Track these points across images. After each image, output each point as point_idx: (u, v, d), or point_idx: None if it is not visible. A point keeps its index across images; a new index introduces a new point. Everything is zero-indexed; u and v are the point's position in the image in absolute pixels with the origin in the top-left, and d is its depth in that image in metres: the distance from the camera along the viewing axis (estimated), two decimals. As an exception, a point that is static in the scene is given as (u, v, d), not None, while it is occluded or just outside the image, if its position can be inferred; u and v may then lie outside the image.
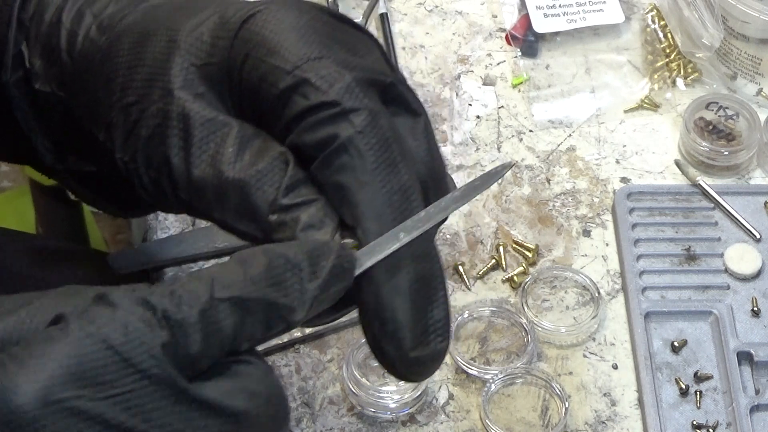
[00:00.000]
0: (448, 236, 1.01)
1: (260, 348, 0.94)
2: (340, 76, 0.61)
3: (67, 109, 0.71)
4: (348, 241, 0.61)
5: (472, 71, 1.13)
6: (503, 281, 0.99)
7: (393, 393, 0.91)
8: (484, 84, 1.12)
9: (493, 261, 1.00)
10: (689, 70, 1.11)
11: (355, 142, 0.60)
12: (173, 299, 0.54)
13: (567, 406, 0.91)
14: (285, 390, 0.62)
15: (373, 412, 0.91)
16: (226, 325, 0.55)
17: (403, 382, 0.91)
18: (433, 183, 0.64)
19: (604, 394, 0.93)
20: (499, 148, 1.07)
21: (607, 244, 1.01)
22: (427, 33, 1.16)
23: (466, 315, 0.96)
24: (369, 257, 0.60)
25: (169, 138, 0.63)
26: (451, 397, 0.93)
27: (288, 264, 0.57)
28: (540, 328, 0.95)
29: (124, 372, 0.52)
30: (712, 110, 1.06)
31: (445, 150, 1.07)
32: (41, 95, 0.72)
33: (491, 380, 0.92)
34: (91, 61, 0.69)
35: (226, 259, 0.58)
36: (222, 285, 0.55)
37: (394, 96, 0.64)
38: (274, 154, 0.62)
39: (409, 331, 0.61)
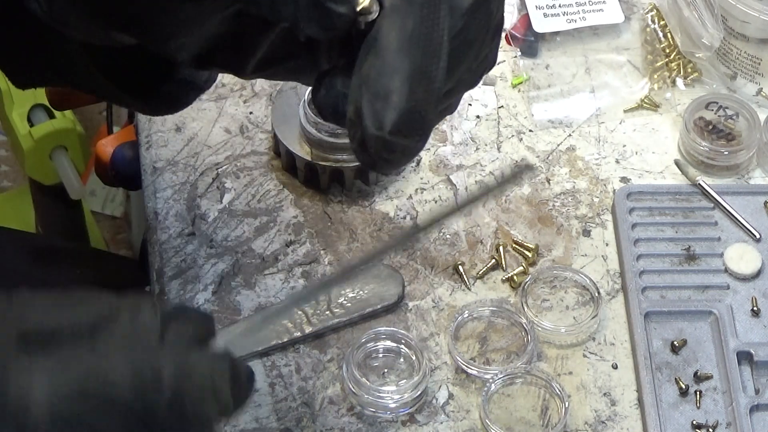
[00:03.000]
0: (448, 236, 1.01)
1: (260, 348, 0.94)
2: None
3: None
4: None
5: (472, 71, 1.13)
6: (503, 281, 0.99)
7: (393, 393, 0.91)
8: (484, 84, 1.12)
9: (493, 261, 1.00)
10: (689, 70, 1.11)
11: None
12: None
13: (567, 405, 0.91)
14: None
15: (373, 412, 0.91)
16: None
17: (403, 382, 0.91)
18: None
19: (604, 394, 0.93)
20: (499, 148, 1.07)
21: (606, 244, 1.01)
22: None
23: (466, 315, 0.96)
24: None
25: None
26: (451, 396, 0.93)
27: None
28: (540, 328, 0.95)
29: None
30: (712, 110, 1.06)
31: (445, 150, 1.07)
32: None
33: (491, 380, 0.92)
34: None
35: None
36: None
37: None
38: None
39: (396, 116, 0.59)
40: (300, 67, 0.70)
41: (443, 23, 0.60)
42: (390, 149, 0.60)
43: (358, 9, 0.61)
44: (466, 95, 1.11)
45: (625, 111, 1.10)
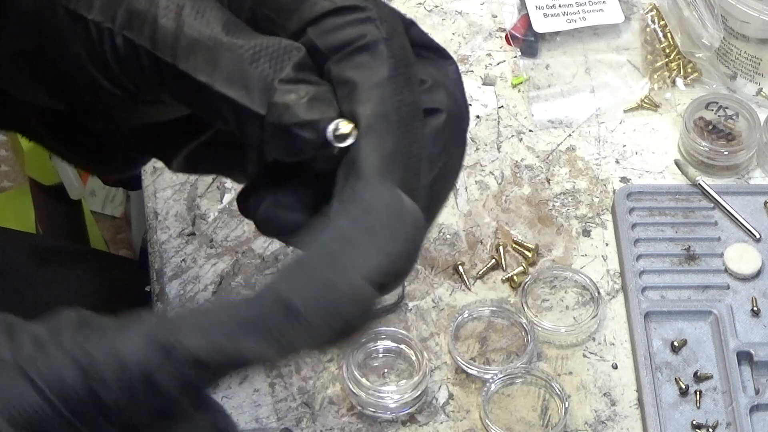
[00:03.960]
0: (448, 236, 1.01)
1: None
2: None
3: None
4: (343, 120, 0.58)
5: (472, 71, 1.13)
6: (503, 281, 0.99)
7: (393, 393, 0.91)
8: (484, 84, 1.12)
9: (493, 261, 1.00)
10: (689, 70, 1.11)
11: (380, 45, 0.58)
12: (110, 355, 0.52)
13: (567, 405, 0.91)
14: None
15: (373, 412, 0.91)
16: (173, 387, 0.53)
17: (403, 382, 0.91)
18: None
19: (604, 394, 0.93)
20: (499, 148, 1.07)
21: (606, 244, 1.01)
22: (427, 33, 1.16)
23: (466, 315, 0.96)
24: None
25: (161, 2, 0.59)
26: (451, 396, 0.93)
27: (287, 307, 0.53)
28: (540, 328, 0.95)
29: (52, 421, 0.52)
30: (712, 110, 1.06)
31: (445, 150, 1.07)
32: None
33: (491, 380, 0.92)
34: None
35: None
36: (186, 341, 0.52)
37: (416, 35, 0.62)
38: (283, 39, 0.59)
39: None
40: (231, 166, 0.69)
41: (421, 140, 0.59)
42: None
43: (337, 133, 0.58)
44: (467, 95, 1.12)
45: (625, 111, 1.10)
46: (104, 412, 0.52)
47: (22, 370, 0.51)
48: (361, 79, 0.58)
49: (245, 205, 0.63)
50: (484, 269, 0.99)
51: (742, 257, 0.99)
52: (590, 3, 1.14)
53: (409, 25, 0.62)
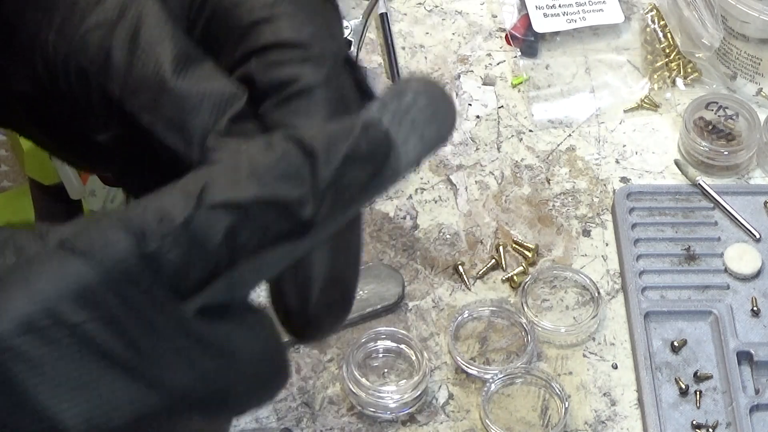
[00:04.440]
0: (448, 236, 1.01)
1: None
2: (315, 24, 0.59)
3: None
4: None
5: (472, 71, 1.13)
6: (503, 281, 0.99)
7: (393, 393, 0.91)
8: (484, 84, 1.12)
9: (493, 261, 1.00)
10: (689, 70, 1.11)
11: (315, 90, 0.58)
12: (154, 214, 0.50)
13: (567, 405, 0.91)
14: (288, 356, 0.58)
15: (373, 412, 0.91)
16: (215, 233, 0.50)
17: (403, 382, 0.91)
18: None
19: (604, 394, 0.93)
20: (498, 148, 1.07)
21: (606, 244, 1.01)
22: (427, 33, 1.16)
23: (466, 315, 0.96)
24: None
25: (117, 30, 0.60)
26: (450, 396, 0.93)
27: (302, 148, 0.51)
28: (540, 328, 0.95)
29: (106, 291, 0.49)
30: (712, 110, 1.06)
31: (445, 150, 1.07)
32: None
33: (491, 380, 0.92)
34: None
35: None
36: (216, 188, 0.50)
37: (355, 76, 0.63)
38: (226, 83, 0.59)
39: (319, 289, 0.57)
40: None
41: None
42: (315, 323, 0.58)
43: None
44: (467, 95, 1.12)
45: (625, 111, 1.10)
46: (156, 273, 0.49)
47: (66, 247, 0.49)
48: (299, 125, 0.58)
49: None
50: (484, 269, 0.99)
51: (742, 257, 0.99)
52: (590, 3, 1.14)
53: (353, 65, 0.62)
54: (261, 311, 0.54)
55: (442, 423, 0.92)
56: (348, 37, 1.15)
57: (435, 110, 0.54)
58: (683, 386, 0.92)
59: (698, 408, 0.92)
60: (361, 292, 0.96)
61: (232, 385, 0.51)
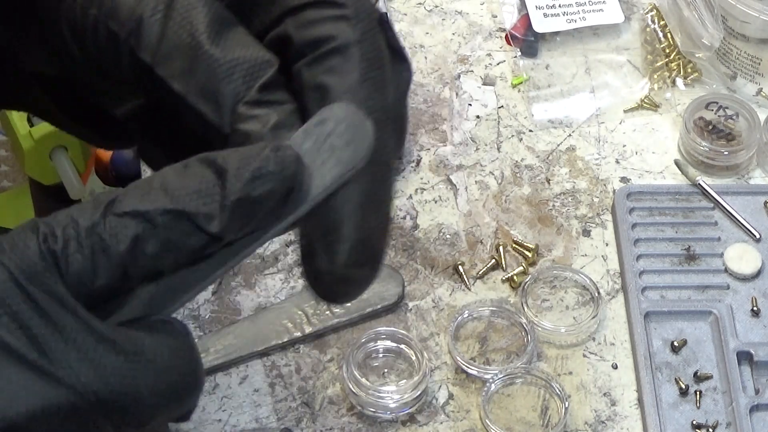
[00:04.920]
0: (448, 236, 1.01)
1: (260, 348, 0.94)
2: None
3: None
4: None
5: (472, 71, 1.13)
6: (503, 281, 0.99)
7: (393, 393, 0.91)
8: (484, 84, 1.12)
9: (493, 261, 1.00)
10: (689, 70, 1.11)
11: (351, 48, 0.58)
12: (64, 219, 0.51)
13: (567, 406, 0.91)
14: (198, 365, 0.56)
15: (373, 412, 0.91)
16: (120, 240, 0.51)
17: (403, 382, 0.91)
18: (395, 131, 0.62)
19: (604, 394, 0.93)
20: (498, 148, 1.07)
21: (606, 244, 1.01)
22: (427, 33, 1.16)
23: (466, 315, 0.96)
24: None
25: None
26: (451, 397, 0.93)
27: (214, 168, 0.52)
28: (540, 328, 0.95)
29: (11, 290, 0.50)
30: (712, 110, 1.06)
31: (445, 150, 1.07)
32: None
33: (491, 380, 0.92)
34: None
35: None
36: (125, 199, 0.52)
37: (387, 37, 0.62)
38: (257, 50, 0.58)
39: (348, 248, 0.57)
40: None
41: (390, 146, 0.59)
42: (345, 283, 0.58)
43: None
44: (467, 95, 1.12)
45: (625, 111, 1.10)
46: (60, 273, 0.50)
47: None
48: (333, 83, 0.58)
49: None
50: (484, 269, 0.99)
51: (742, 257, 0.99)
52: (590, 3, 1.14)
53: (387, 26, 0.62)
54: (177, 321, 0.54)
55: (442, 423, 0.92)
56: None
57: (352, 135, 0.56)
58: (683, 386, 0.92)
59: (698, 408, 0.92)
60: (361, 292, 0.96)
61: (140, 389, 0.51)
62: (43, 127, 1.49)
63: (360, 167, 0.57)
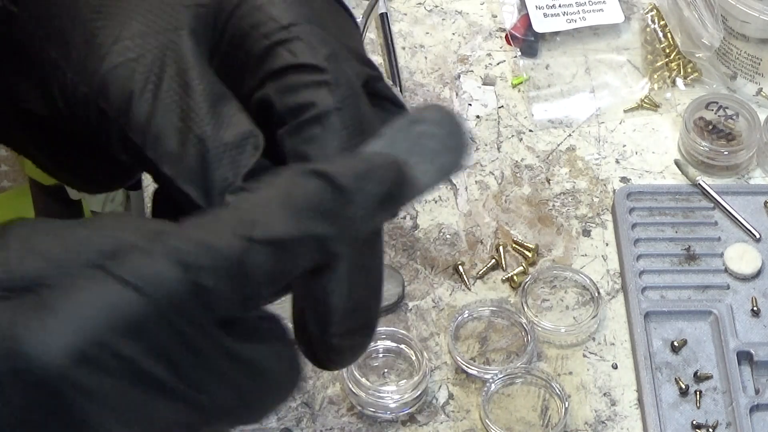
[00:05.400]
0: (448, 236, 1.01)
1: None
2: (331, 46, 0.59)
3: (13, 23, 0.64)
4: None
5: (472, 71, 1.13)
6: (503, 281, 0.99)
7: (393, 393, 0.91)
8: (484, 84, 1.12)
9: (493, 261, 1.00)
10: (689, 70, 1.11)
11: (330, 116, 0.58)
12: (204, 248, 0.51)
13: (567, 405, 0.91)
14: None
15: (373, 412, 0.91)
16: (262, 268, 0.52)
17: (403, 382, 0.91)
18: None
19: (604, 394, 0.93)
20: (499, 148, 1.07)
21: (606, 244, 1.01)
22: (427, 33, 1.16)
23: (466, 315, 0.96)
24: None
25: (137, 74, 0.58)
26: (451, 396, 0.93)
27: (332, 186, 0.53)
28: (540, 328, 0.95)
29: (155, 323, 0.49)
30: (712, 110, 1.06)
31: (445, 150, 1.07)
32: None
33: (491, 380, 0.92)
34: None
35: None
36: (260, 225, 0.52)
37: (377, 89, 0.63)
38: (246, 131, 0.59)
39: (339, 319, 0.57)
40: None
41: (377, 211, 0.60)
42: (337, 351, 0.59)
43: None
44: (467, 95, 1.12)
45: (625, 111, 1.10)
46: (204, 305, 0.50)
47: (115, 276, 0.49)
48: (313, 154, 0.58)
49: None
50: (484, 269, 0.99)
51: (742, 257, 0.99)
52: (590, 3, 1.14)
53: (376, 80, 0.62)
54: (273, 317, 0.55)
55: (442, 423, 0.92)
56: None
57: (448, 138, 0.56)
58: (683, 386, 0.92)
59: (698, 408, 0.92)
60: (361, 292, 0.96)
61: (262, 398, 0.53)
62: (43, 127, 1.49)
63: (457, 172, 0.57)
